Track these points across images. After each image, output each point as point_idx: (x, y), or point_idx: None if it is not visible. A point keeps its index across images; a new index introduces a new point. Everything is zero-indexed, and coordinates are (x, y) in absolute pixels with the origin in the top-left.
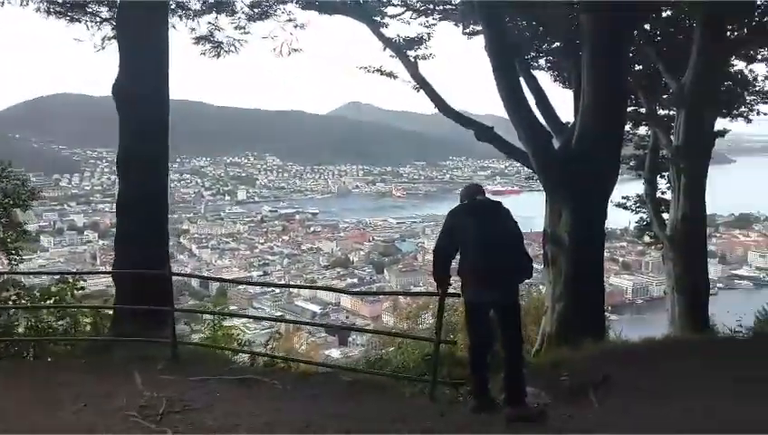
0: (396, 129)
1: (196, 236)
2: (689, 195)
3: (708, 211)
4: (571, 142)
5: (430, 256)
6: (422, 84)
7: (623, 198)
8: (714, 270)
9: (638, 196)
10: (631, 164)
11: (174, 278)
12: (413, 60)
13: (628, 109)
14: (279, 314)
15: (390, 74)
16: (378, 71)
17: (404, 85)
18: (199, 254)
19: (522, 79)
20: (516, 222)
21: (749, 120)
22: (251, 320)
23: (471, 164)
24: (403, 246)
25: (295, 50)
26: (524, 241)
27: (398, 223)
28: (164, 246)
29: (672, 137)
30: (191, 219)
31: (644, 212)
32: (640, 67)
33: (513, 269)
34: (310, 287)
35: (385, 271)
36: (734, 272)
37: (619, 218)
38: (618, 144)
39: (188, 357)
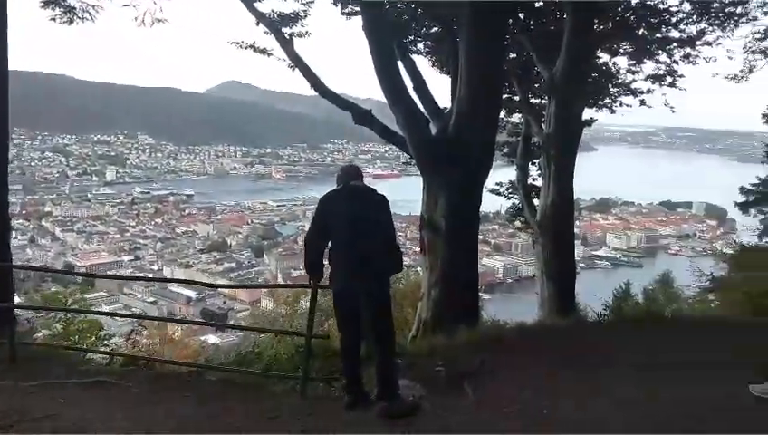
0: (277, 110)
1: (60, 218)
2: (558, 182)
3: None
4: (448, 128)
5: None
6: (297, 62)
7: (497, 184)
8: (577, 251)
9: (510, 182)
10: (505, 151)
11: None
12: (288, 37)
13: (503, 96)
14: (152, 299)
15: (264, 51)
16: (251, 47)
17: (283, 65)
18: (63, 237)
19: (400, 62)
20: (390, 213)
21: (613, 111)
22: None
23: (352, 147)
24: (283, 230)
25: (159, 20)
26: (396, 231)
27: (278, 206)
28: (5, 233)
29: (543, 125)
30: (54, 201)
31: (516, 198)
32: (515, 55)
33: (382, 261)
34: (169, 281)
35: (264, 255)
36: (594, 253)
37: (492, 203)
38: (493, 131)
39: (31, 358)
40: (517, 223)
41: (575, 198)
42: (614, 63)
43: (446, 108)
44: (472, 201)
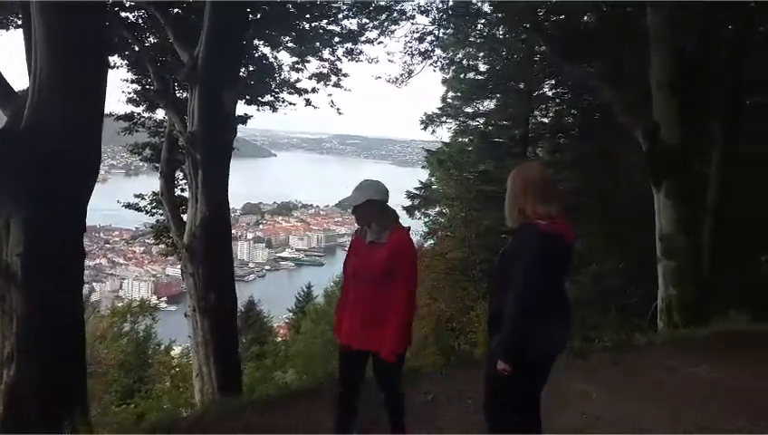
0: None
1: None
2: (208, 192)
3: (255, 201)
4: (22, 116)
5: None
6: None
7: (136, 195)
8: (261, 254)
9: (154, 194)
10: (146, 154)
11: None
12: None
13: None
14: None
15: None
16: None
17: None
18: None
19: None
20: None
21: (274, 109)
22: None
23: None
24: None
25: None
26: None
27: None
28: None
29: (187, 121)
30: None
31: (161, 213)
32: (155, 39)
33: None
34: None
35: None
36: (278, 255)
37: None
38: (94, 126)
39: None
40: (162, 246)
41: (257, 201)
42: (276, 58)
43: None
44: (72, 226)
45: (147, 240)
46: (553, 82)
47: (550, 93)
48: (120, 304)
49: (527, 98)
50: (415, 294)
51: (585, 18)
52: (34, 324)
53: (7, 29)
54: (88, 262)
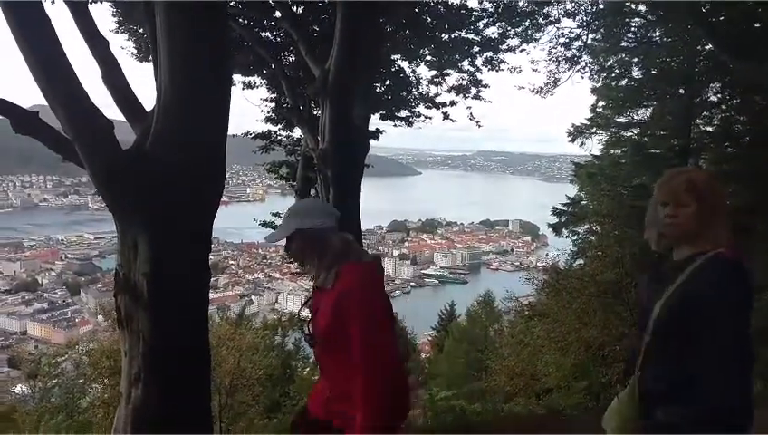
0: None
1: None
2: (340, 211)
3: (400, 218)
4: (148, 138)
5: None
6: None
7: (273, 214)
8: (406, 271)
9: None
10: (282, 172)
11: None
12: None
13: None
14: None
15: None
16: None
17: None
18: None
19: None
20: None
21: (410, 123)
22: None
23: None
24: (103, 263)
25: None
26: None
27: (95, 238)
28: None
29: (319, 138)
30: None
31: None
32: (293, 58)
33: None
34: None
35: (81, 292)
36: (423, 271)
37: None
38: (218, 143)
39: None
40: (295, 265)
41: (402, 219)
42: (413, 72)
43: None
44: (198, 246)
45: None
46: (719, 85)
47: (714, 98)
48: (274, 317)
49: (688, 104)
50: (386, 346)
51: (759, 9)
52: (160, 346)
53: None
54: (247, 276)
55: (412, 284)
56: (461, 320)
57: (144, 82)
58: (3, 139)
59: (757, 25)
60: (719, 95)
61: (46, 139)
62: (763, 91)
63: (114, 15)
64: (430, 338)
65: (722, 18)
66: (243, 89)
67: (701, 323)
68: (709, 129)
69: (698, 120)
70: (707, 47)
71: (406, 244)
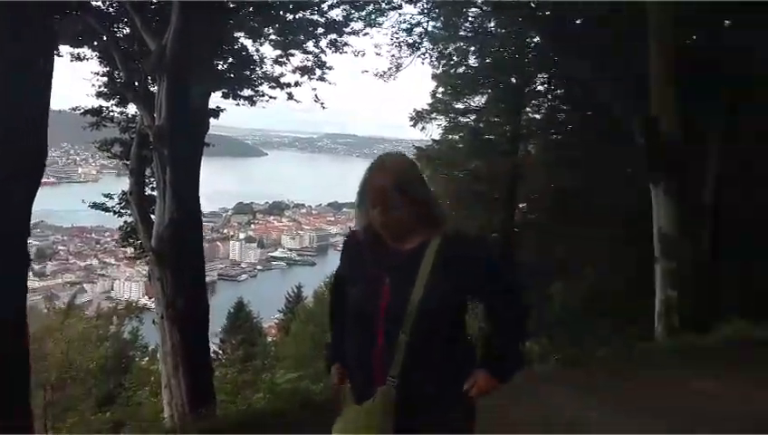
0: None
1: None
2: (177, 191)
3: (246, 200)
4: None
5: None
6: None
7: (105, 195)
8: (253, 254)
9: (124, 193)
10: (115, 150)
11: None
12: None
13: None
14: None
15: None
16: None
17: None
18: None
19: None
20: None
21: (253, 103)
22: None
23: None
24: None
25: None
26: None
27: None
28: None
29: (155, 115)
30: None
31: (130, 214)
32: (128, 30)
33: None
34: None
35: None
36: (270, 254)
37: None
38: (37, 117)
39: None
40: (131, 250)
41: (249, 201)
42: (258, 51)
43: None
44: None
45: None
46: (546, 76)
47: (542, 88)
48: (109, 306)
49: (519, 93)
50: None
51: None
52: None
53: None
54: (79, 262)
55: (259, 267)
56: (308, 302)
57: None
58: None
59: (578, 22)
60: (545, 85)
61: None
62: (585, 83)
63: None
64: (277, 322)
65: (548, 14)
66: (71, 61)
67: None
68: (537, 116)
69: (527, 108)
70: (536, 39)
71: (252, 226)
